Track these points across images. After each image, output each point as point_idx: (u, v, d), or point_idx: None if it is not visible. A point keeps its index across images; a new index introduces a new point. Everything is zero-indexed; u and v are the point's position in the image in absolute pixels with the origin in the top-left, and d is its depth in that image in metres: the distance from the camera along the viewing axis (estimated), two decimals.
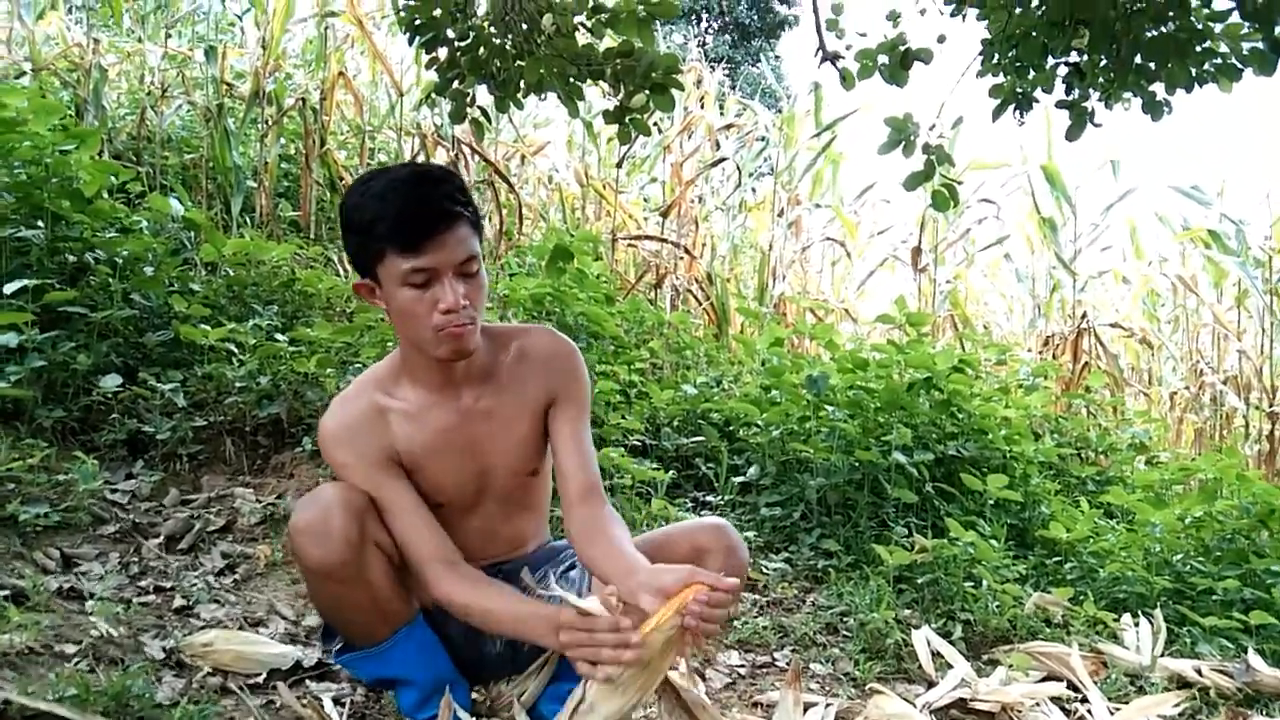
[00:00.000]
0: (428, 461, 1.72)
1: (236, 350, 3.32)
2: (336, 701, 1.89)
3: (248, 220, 5.22)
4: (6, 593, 2.02)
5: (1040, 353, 6.55)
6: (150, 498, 2.80)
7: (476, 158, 5.91)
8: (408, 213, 1.55)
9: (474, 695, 1.85)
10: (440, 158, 5.89)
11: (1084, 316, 6.39)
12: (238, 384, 3.19)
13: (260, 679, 1.95)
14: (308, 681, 2.00)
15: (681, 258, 6.28)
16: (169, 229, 4.02)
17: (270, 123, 5.49)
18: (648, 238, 6.34)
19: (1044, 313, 6.97)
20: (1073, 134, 3.29)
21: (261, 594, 2.42)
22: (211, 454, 3.10)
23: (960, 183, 4.25)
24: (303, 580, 1.75)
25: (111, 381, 3.01)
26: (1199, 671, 2.56)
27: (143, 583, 2.33)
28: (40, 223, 3.28)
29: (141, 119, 5.36)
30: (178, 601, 2.25)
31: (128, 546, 2.52)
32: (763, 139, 6.98)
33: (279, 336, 3.42)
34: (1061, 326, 6.69)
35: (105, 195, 3.63)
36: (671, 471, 3.41)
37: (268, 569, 2.53)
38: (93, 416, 3.04)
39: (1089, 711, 2.27)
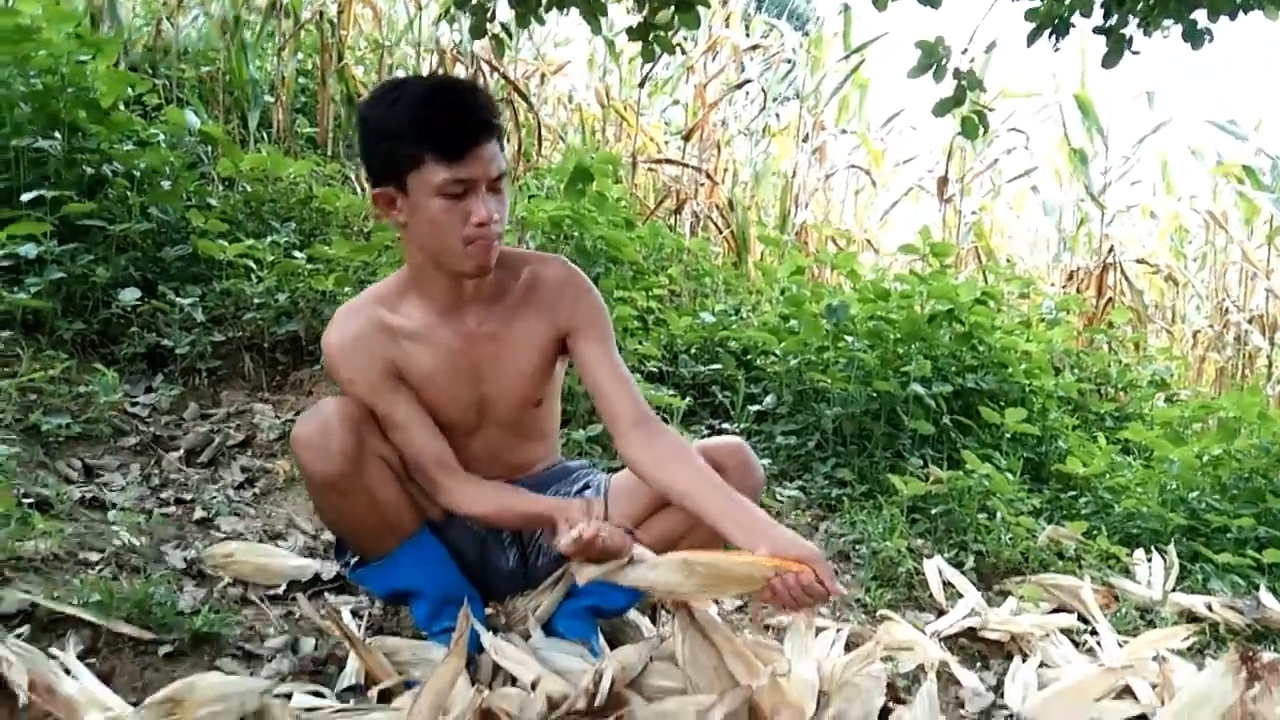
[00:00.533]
0: (429, 382, 1.71)
1: (254, 266, 3.31)
2: (355, 614, 1.92)
3: (265, 135, 5.16)
4: (31, 501, 2.05)
5: (1064, 287, 6.47)
6: (170, 411, 2.83)
7: (496, 75, 5.80)
8: (452, 121, 1.53)
9: (487, 610, 1.87)
10: (459, 75, 5.78)
11: (1110, 251, 6.29)
12: (256, 300, 3.19)
13: (280, 590, 1.99)
14: (326, 594, 2.03)
15: (703, 183, 6.19)
16: (186, 143, 3.97)
17: (287, 36, 5.39)
18: (669, 161, 6.24)
19: (1070, 246, 6.87)
20: (1109, 61, 3.19)
21: (281, 508, 2.45)
22: (230, 369, 3.11)
23: (991, 110, 4.14)
24: (309, 493, 1.76)
25: (130, 295, 3.01)
26: (1209, 607, 2.58)
27: (164, 494, 2.36)
28: (56, 133, 3.25)
29: (157, 30, 5.27)
30: (198, 513, 2.28)
31: (148, 459, 2.55)
32: (789, 61, 6.82)
33: (297, 254, 3.41)
34: (1087, 261, 6.59)
35: (122, 107, 3.59)
36: (688, 399, 3.41)
37: (287, 484, 2.56)
38: (112, 329, 3.05)
39: (1098, 644, 2.28)
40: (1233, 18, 2.96)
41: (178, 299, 3.09)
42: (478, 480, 1.74)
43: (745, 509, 1.56)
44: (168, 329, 3.07)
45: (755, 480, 1.75)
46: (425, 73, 5.96)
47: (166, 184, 3.47)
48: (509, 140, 5.63)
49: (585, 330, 1.76)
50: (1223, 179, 6.75)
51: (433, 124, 1.53)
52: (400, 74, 6.18)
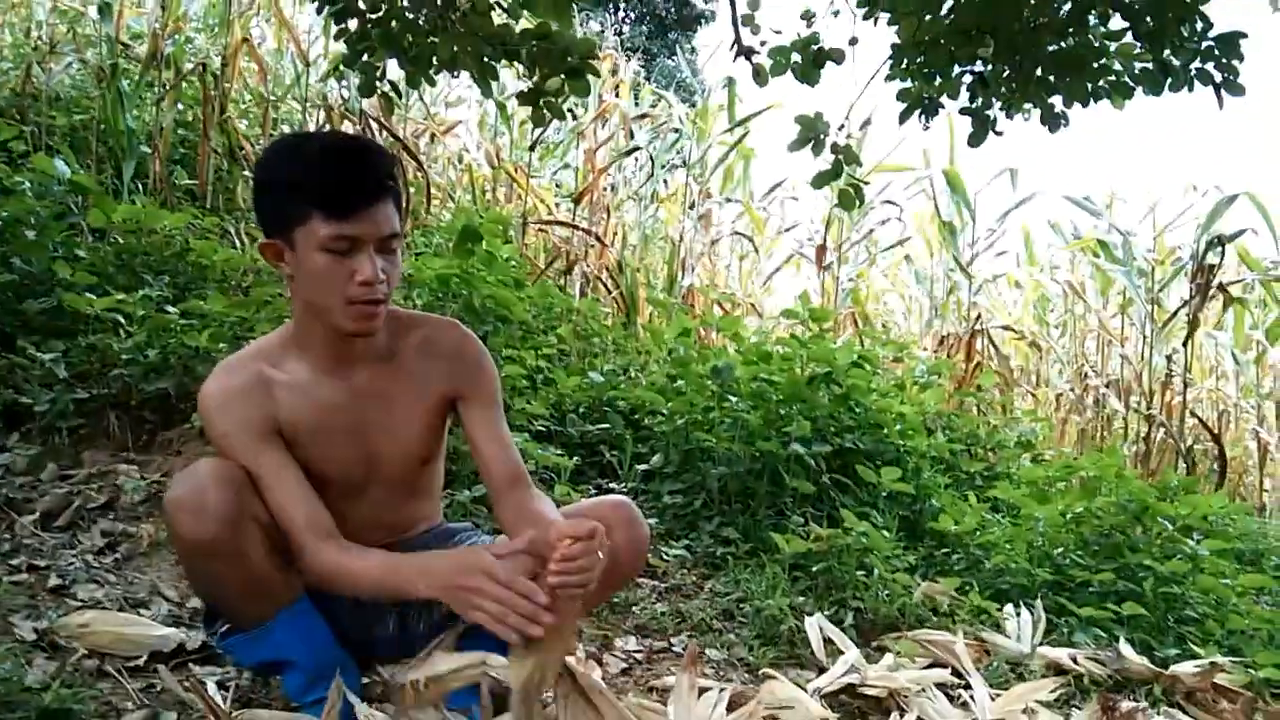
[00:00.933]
0: (313, 439, 1.67)
1: (124, 321, 3.18)
2: (221, 685, 1.83)
3: (140, 187, 4.99)
4: None
5: (936, 351, 6.76)
6: (26, 472, 2.67)
7: (385, 134, 5.79)
8: (343, 179, 1.53)
9: (364, 679, 1.81)
10: (347, 131, 5.74)
11: (978, 318, 6.62)
12: (124, 356, 3.06)
13: (141, 661, 1.88)
14: (191, 665, 1.93)
15: (592, 245, 6.27)
16: (54, 192, 3.81)
17: (168, 87, 5.26)
18: (559, 223, 6.31)
19: (940, 313, 7.19)
20: (975, 140, 3.39)
21: (144, 574, 2.33)
22: (94, 429, 2.96)
23: (866, 183, 4.33)
24: (180, 559, 1.68)
25: None
26: (1074, 659, 2.68)
27: (14, 561, 2.22)
28: None
29: (27, 75, 5.08)
30: (53, 581, 2.15)
31: (0, 523, 2.39)
32: (676, 131, 7.01)
33: (170, 308, 3.29)
34: (956, 327, 6.91)
35: None
36: (576, 458, 3.41)
37: (151, 549, 2.44)
38: None
39: (972, 697, 2.35)
40: (1085, 104, 3.20)
41: (39, 354, 2.94)
42: (357, 547, 1.63)
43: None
44: (27, 385, 2.91)
45: (640, 535, 1.76)
46: (313, 129, 5.90)
47: (31, 234, 3.32)
48: None
49: (474, 395, 1.77)
50: (1080, 252, 7.21)
51: (323, 180, 1.52)
52: (285, 129, 6.09)
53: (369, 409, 1.71)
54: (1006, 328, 7.20)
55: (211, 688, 1.78)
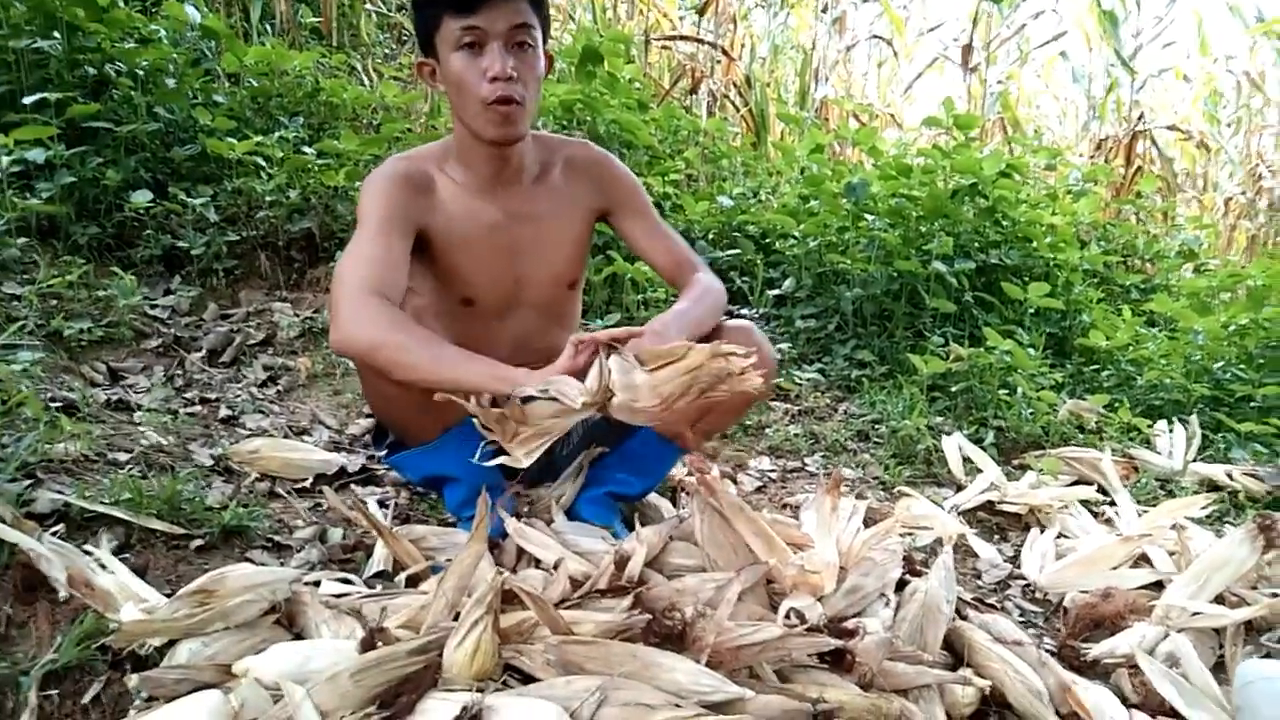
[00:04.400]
0: (464, 252, 1.71)
1: (264, 164, 3.27)
2: (381, 504, 1.96)
3: (268, 28, 5.03)
4: (58, 405, 2.09)
5: (1093, 157, 6.31)
6: (189, 312, 2.85)
7: None
8: None
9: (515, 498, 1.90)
10: None
11: (1140, 118, 6.10)
12: (268, 198, 3.17)
13: (307, 484, 2.03)
14: (353, 486, 2.07)
15: (719, 60, 6.01)
16: (188, 38, 3.88)
17: None
18: (683, 38, 6.05)
19: (1099, 114, 6.66)
20: None
21: (304, 404, 2.48)
22: (247, 269, 3.12)
23: None
24: (360, 378, 1.77)
25: (142, 197, 3.00)
26: (1230, 476, 2.58)
27: (188, 394, 2.40)
28: (56, 33, 3.18)
29: None
30: (223, 412, 2.32)
31: (171, 360, 2.57)
32: None
33: (306, 149, 3.37)
34: (1116, 129, 6.40)
35: (120, 3, 3.51)
36: None
37: (309, 380, 2.59)
38: (127, 232, 3.05)
39: (1117, 514, 2.30)
40: None
41: (190, 200, 3.07)
42: (403, 318, 1.51)
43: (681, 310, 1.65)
44: (182, 230, 3.06)
45: (765, 364, 1.75)
46: None
47: (171, 82, 3.41)
48: None
49: (625, 205, 1.84)
50: (1262, 37, 6.47)
51: None
52: None
53: (522, 230, 1.75)
54: (1172, 127, 6.63)
55: (373, 505, 1.91)
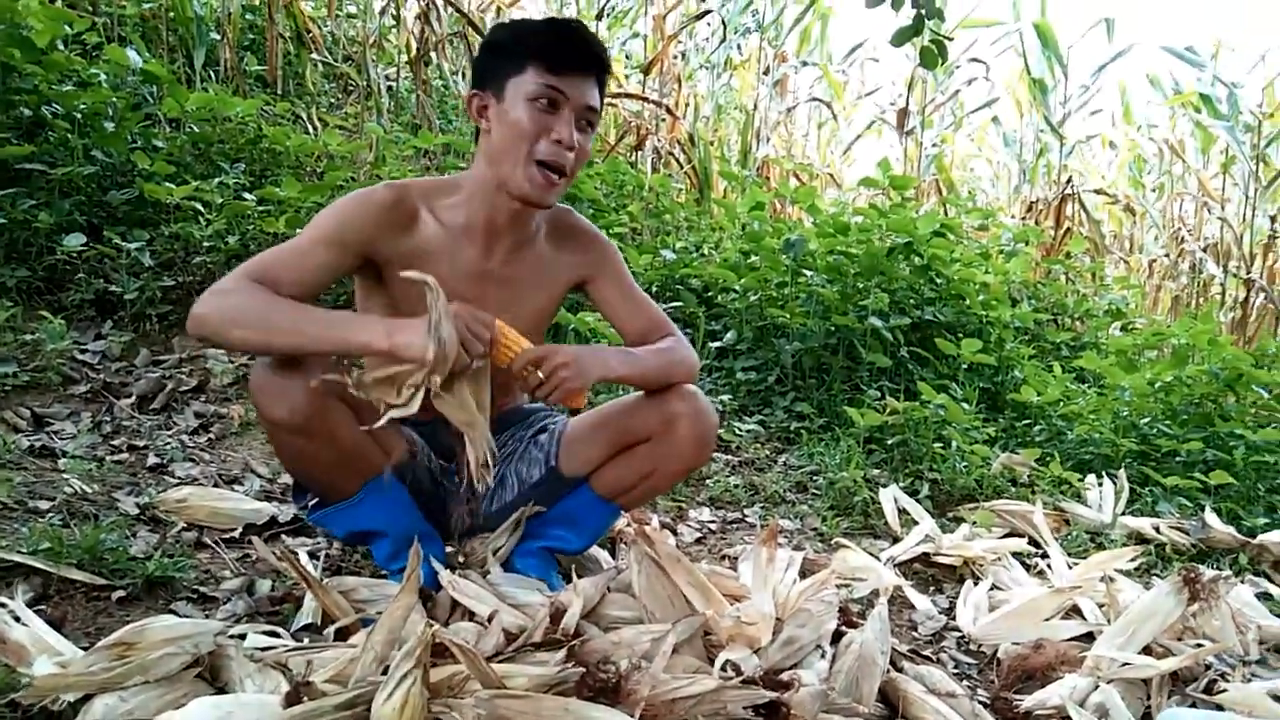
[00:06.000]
0: (420, 298, 1.61)
1: (203, 209, 3.23)
2: (312, 555, 1.92)
3: (211, 75, 5.01)
4: None
5: (1024, 218, 6.51)
6: (121, 358, 2.78)
7: (449, 9, 5.66)
8: (564, 38, 1.62)
9: (446, 549, 1.88)
10: (410, 9, 5.64)
11: (1069, 182, 6.33)
12: (205, 243, 3.12)
13: (236, 533, 1.98)
14: (283, 536, 2.03)
15: (663, 118, 6.12)
16: (129, 82, 3.85)
17: None
18: (628, 96, 6.15)
19: (1029, 178, 6.90)
20: None
21: (236, 452, 2.43)
22: (181, 314, 3.05)
23: (950, 39, 4.11)
24: (268, 438, 1.73)
25: (75, 240, 2.94)
26: (1157, 529, 2.64)
27: (115, 441, 2.33)
28: None
29: None
30: (151, 460, 2.26)
31: (99, 406, 2.51)
32: None
33: (247, 195, 3.33)
34: (1046, 192, 6.63)
35: (60, 46, 3.47)
36: None
37: (242, 428, 2.54)
38: (58, 276, 2.98)
39: (1048, 566, 2.34)
40: None
41: (125, 244, 3.01)
42: (280, 298, 1.50)
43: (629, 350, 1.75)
44: (115, 274, 3.00)
45: (705, 429, 1.77)
46: (376, 8, 5.82)
47: (110, 125, 3.37)
48: (462, 76, 5.51)
49: (602, 275, 1.85)
50: (1180, 108, 6.78)
51: (547, 37, 1.61)
52: (351, 9, 6.02)
53: (497, 290, 1.73)
54: (1099, 191, 6.88)
55: (303, 557, 1.86)
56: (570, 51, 1.61)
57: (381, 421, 1.46)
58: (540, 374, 1.55)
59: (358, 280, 1.74)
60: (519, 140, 1.60)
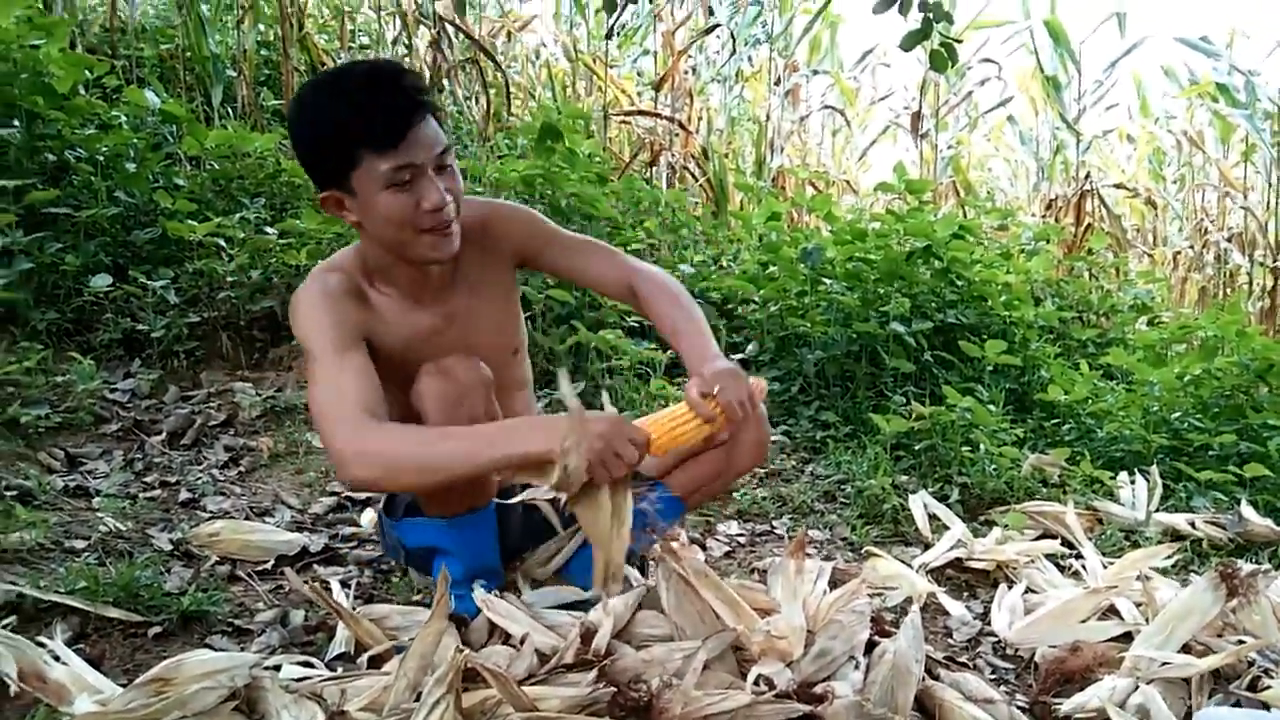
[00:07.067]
0: (407, 355, 1.64)
1: (225, 245, 3.28)
2: (344, 584, 1.93)
3: (230, 111, 5.09)
4: (14, 493, 2.06)
5: (1043, 216, 6.47)
6: (150, 395, 2.82)
7: (460, 35, 5.72)
8: (380, 109, 1.47)
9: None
10: (422, 37, 5.70)
11: (1087, 177, 6.28)
12: (229, 279, 3.17)
13: (269, 565, 2.00)
14: (315, 566, 2.04)
15: (677, 133, 6.14)
16: (149, 123, 3.92)
17: (246, 8, 5.29)
18: (641, 113, 6.18)
19: (1047, 175, 6.86)
20: None
21: (266, 485, 2.45)
22: (208, 350, 3.10)
23: (960, 41, 4.10)
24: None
25: (102, 281, 2.99)
26: (1192, 524, 2.61)
27: (148, 478, 2.37)
28: (15, 121, 3.20)
29: (113, 10, 5.16)
30: (183, 495, 2.29)
31: (131, 444, 2.54)
32: (757, 2, 6.74)
33: (268, 229, 3.38)
34: (1065, 189, 6.58)
35: (81, 90, 3.54)
36: (669, 351, 3.41)
37: (271, 460, 2.57)
38: (86, 317, 3.03)
39: (1083, 567, 2.31)
40: None
41: (150, 282, 3.07)
42: (406, 427, 1.52)
43: (697, 334, 1.70)
44: (142, 313, 3.05)
45: (765, 435, 1.86)
46: (389, 37, 5.89)
47: (131, 166, 3.43)
48: (477, 100, 5.56)
49: (536, 245, 1.80)
50: (1197, 98, 6.73)
51: (360, 118, 1.46)
52: (364, 40, 6.09)
53: (456, 328, 1.72)
54: (1119, 185, 6.83)
55: (335, 586, 1.88)
56: (394, 120, 1.47)
57: (516, 500, 1.57)
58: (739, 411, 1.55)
59: None
60: (396, 226, 1.52)
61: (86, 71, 3.55)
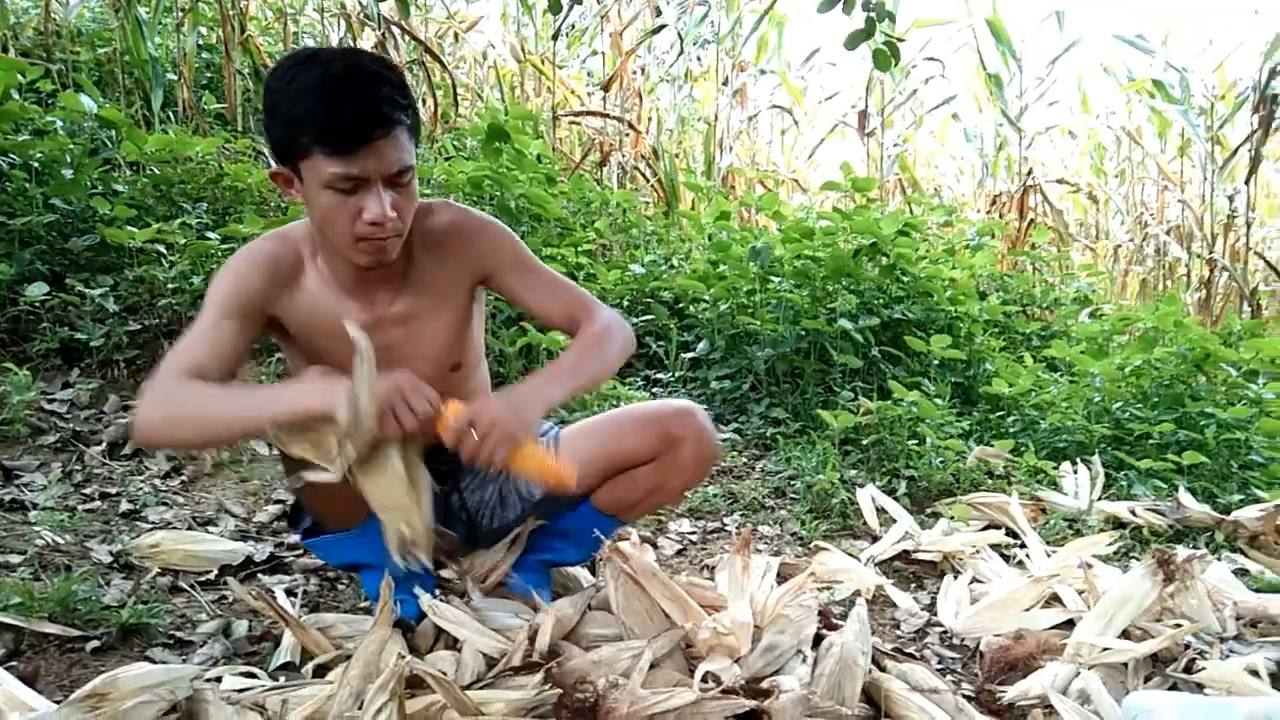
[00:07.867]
0: (331, 346, 1.56)
1: (166, 251, 3.22)
2: (289, 593, 1.91)
3: (171, 115, 4.99)
4: None
5: (988, 212, 6.57)
6: (89, 405, 2.76)
7: (406, 37, 5.67)
8: (341, 115, 1.40)
9: (445, 572, 1.86)
10: (367, 39, 5.65)
11: (1030, 173, 6.39)
12: (170, 286, 3.11)
13: (212, 576, 1.97)
14: (259, 575, 2.01)
15: (627, 133, 6.15)
16: (85, 128, 3.83)
17: (185, 10, 5.21)
18: (590, 113, 6.18)
19: (992, 171, 6.96)
20: None
21: (209, 494, 2.42)
22: (149, 358, 3.04)
23: (903, 40, 4.16)
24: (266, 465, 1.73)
25: (38, 289, 2.92)
26: (1133, 512, 2.66)
27: (87, 490, 2.32)
28: None
29: (47, 12, 5.04)
30: (124, 506, 2.24)
31: (70, 455, 2.49)
32: (704, 2, 6.76)
33: (210, 234, 3.32)
34: (1008, 185, 6.69)
35: (14, 95, 3.46)
36: None
37: (214, 469, 2.53)
38: (22, 327, 2.96)
39: (1027, 556, 2.35)
40: None
41: (88, 290, 3.00)
42: (213, 385, 1.43)
43: (560, 372, 1.58)
44: (80, 322, 2.98)
45: (706, 448, 1.74)
46: (334, 39, 5.82)
47: (68, 173, 3.35)
48: (424, 103, 5.52)
49: (500, 267, 1.69)
50: (1136, 94, 6.88)
51: (317, 119, 1.40)
52: (307, 41, 6.01)
53: (392, 332, 1.62)
54: (1061, 181, 6.95)
55: (280, 595, 1.86)
56: (353, 130, 1.40)
57: (300, 482, 1.43)
58: (470, 454, 1.42)
59: (277, 338, 1.67)
60: (331, 227, 1.47)
61: (20, 76, 3.46)
